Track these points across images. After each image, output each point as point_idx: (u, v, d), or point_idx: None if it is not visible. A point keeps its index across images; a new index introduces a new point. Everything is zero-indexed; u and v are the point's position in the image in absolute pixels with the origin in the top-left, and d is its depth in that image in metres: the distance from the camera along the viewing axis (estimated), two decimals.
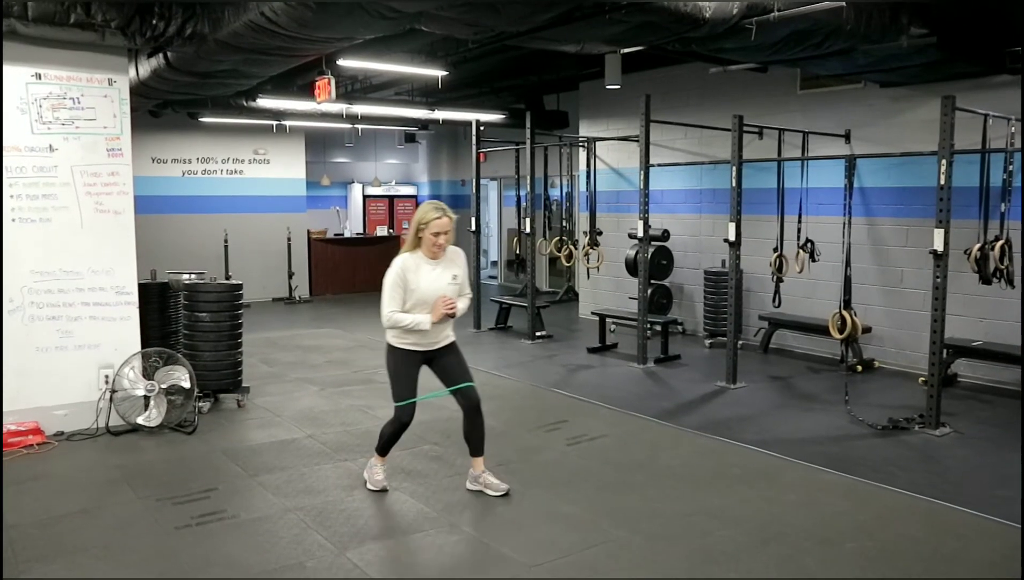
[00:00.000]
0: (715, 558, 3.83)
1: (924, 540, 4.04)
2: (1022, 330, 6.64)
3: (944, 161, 5.68)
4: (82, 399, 5.86)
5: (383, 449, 4.69)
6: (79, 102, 5.75)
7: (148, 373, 5.98)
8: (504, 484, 4.63)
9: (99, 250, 5.89)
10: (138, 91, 7.33)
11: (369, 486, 4.69)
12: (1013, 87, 6.99)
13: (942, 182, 5.70)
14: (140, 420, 5.84)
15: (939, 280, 5.81)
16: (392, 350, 4.46)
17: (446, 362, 4.53)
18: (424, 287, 4.30)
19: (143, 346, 6.14)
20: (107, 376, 5.92)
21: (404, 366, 4.43)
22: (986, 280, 6.64)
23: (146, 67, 6.92)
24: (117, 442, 5.67)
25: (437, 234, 4.26)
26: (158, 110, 10.75)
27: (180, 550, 3.93)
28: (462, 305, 4.46)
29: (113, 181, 5.91)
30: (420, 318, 4.28)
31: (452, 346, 4.56)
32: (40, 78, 5.62)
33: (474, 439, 4.62)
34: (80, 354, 5.86)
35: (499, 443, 5.63)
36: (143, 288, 6.36)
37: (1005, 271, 6.59)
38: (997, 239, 6.61)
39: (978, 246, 6.63)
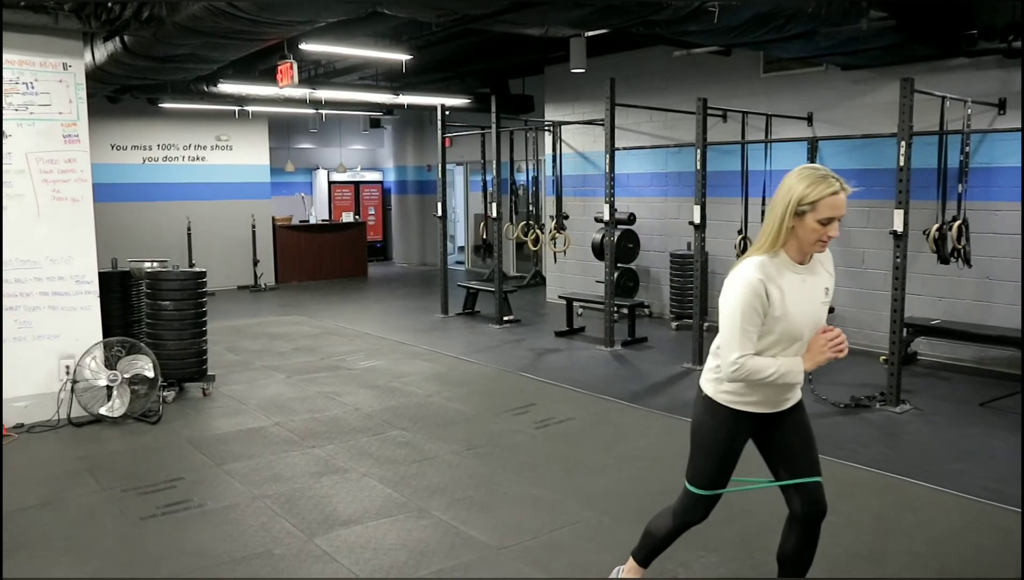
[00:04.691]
0: (683, 536, 3.87)
1: (885, 514, 4.13)
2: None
3: (903, 143, 5.77)
4: (42, 390, 5.75)
5: (649, 557, 3.13)
6: (32, 87, 5.61)
7: (110, 363, 5.88)
8: None
9: (57, 239, 5.77)
10: (95, 76, 7.18)
11: None
12: (969, 69, 7.11)
13: (902, 163, 5.79)
14: (103, 410, 5.76)
15: (899, 260, 5.91)
16: (715, 408, 2.79)
17: (786, 435, 2.83)
18: (793, 313, 2.62)
19: (105, 336, 6.03)
20: (68, 367, 5.82)
21: (729, 437, 2.79)
22: (944, 260, 6.78)
23: (102, 51, 6.78)
24: (79, 433, 5.59)
25: (828, 222, 2.55)
26: (116, 96, 10.54)
27: (146, 540, 3.89)
28: None
29: (70, 168, 5.79)
30: (791, 365, 2.66)
31: (798, 409, 2.86)
32: None
33: (798, 566, 2.90)
34: (39, 345, 5.75)
35: (467, 427, 5.64)
36: (104, 277, 6.25)
37: (962, 251, 6.73)
38: (955, 219, 6.74)
39: (936, 226, 6.76)
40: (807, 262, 2.69)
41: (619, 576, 3.20)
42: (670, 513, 3.00)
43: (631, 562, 3.16)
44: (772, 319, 2.61)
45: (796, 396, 2.85)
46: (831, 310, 7.82)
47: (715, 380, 2.80)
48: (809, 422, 2.89)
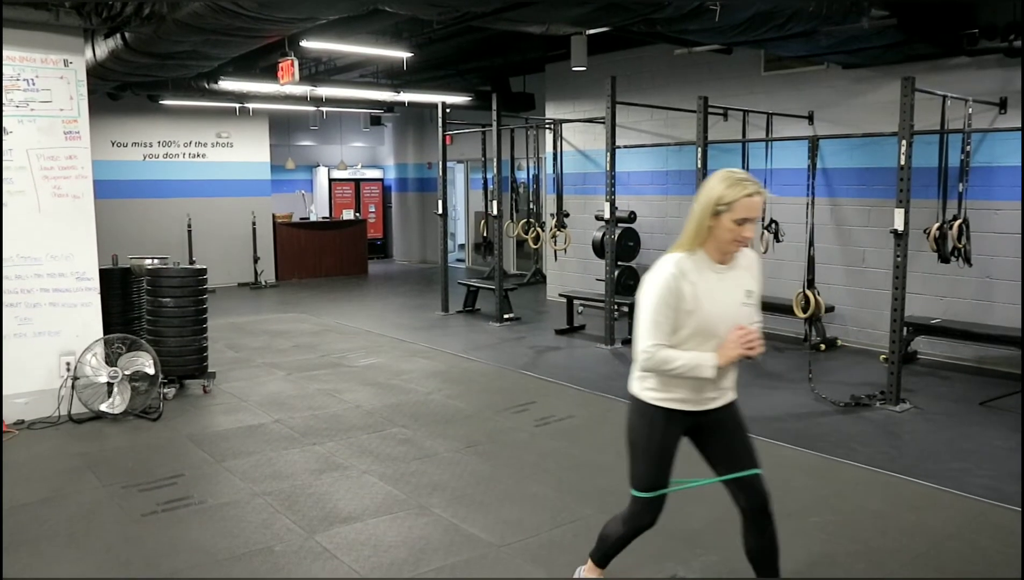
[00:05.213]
0: (682, 534, 3.88)
1: (884, 513, 4.13)
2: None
3: (904, 141, 5.76)
4: (43, 387, 5.76)
5: (605, 558, 3.16)
6: (33, 84, 5.61)
7: (111, 359, 5.89)
8: None
9: (58, 235, 5.77)
10: (96, 73, 7.18)
11: None
12: (970, 68, 7.11)
13: (902, 162, 5.79)
14: (103, 407, 5.77)
15: (899, 259, 5.91)
16: (642, 408, 2.87)
17: (722, 433, 2.91)
18: (708, 309, 2.73)
19: (105, 332, 6.04)
20: (68, 363, 5.83)
21: (661, 435, 2.84)
22: (944, 259, 6.78)
23: (103, 48, 6.78)
24: (80, 430, 5.59)
25: (743, 222, 2.68)
26: (117, 92, 10.54)
27: (146, 536, 3.89)
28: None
29: (71, 165, 5.79)
30: (702, 358, 2.71)
31: (732, 408, 2.93)
32: None
33: (764, 556, 2.99)
34: (40, 341, 5.76)
35: (467, 425, 5.65)
36: (104, 274, 6.26)
37: (963, 250, 6.73)
38: (955, 218, 6.74)
39: (937, 225, 6.76)
40: (727, 262, 2.79)
41: (580, 576, 3.24)
42: (620, 520, 3.03)
43: (590, 562, 3.22)
44: (684, 313, 2.72)
45: (726, 396, 2.90)
46: (831, 309, 7.94)
47: (639, 378, 2.88)
48: (742, 418, 2.95)
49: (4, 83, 5.50)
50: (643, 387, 2.87)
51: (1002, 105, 6.98)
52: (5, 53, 5.48)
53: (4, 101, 5.52)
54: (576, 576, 3.26)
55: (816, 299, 7.06)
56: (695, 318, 2.72)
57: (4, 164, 5.54)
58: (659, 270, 2.74)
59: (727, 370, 2.81)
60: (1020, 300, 6.64)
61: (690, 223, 2.76)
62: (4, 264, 5.58)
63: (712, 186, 2.72)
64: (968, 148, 6.76)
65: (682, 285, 2.70)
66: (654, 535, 3.79)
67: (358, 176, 17.77)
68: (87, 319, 5.92)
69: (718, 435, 2.90)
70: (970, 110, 6.78)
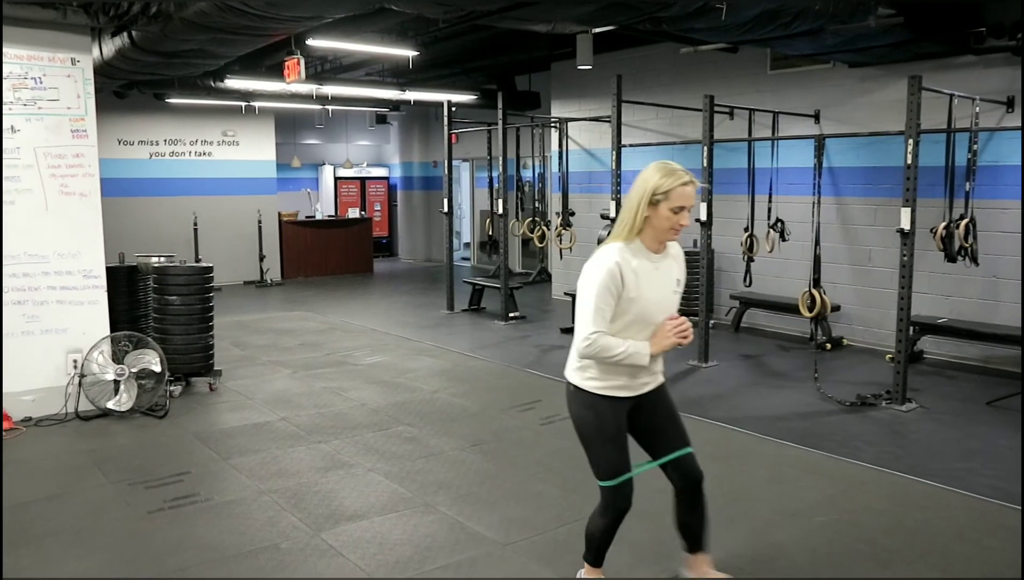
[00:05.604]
0: None
1: (889, 512, 4.13)
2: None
3: (911, 140, 5.75)
4: (50, 384, 5.78)
5: (598, 556, 3.19)
6: (41, 82, 5.63)
7: (118, 357, 5.91)
8: None
9: (65, 233, 5.79)
10: (102, 71, 7.20)
11: None
12: (977, 67, 7.09)
13: (909, 161, 5.77)
14: (110, 405, 5.79)
15: (906, 258, 5.89)
16: (587, 399, 2.96)
17: (653, 415, 3.06)
18: (647, 297, 2.84)
19: (112, 330, 6.06)
20: (75, 361, 5.85)
21: (610, 422, 2.94)
22: (951, 258, 6.76)
23: (110, 46, 6.79)
24: (87, 427, 5.62)
25: (680, 210, 2.80)
26: (124, 91, 10.58)
27: (152, 534, 3.91)
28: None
29: (78, 163, 5.81)
30: (638, 346, 2.84)
31: (661, 390, 3.08)
32: None
33: (694, 529, 3.21)
34: (47, 339, 5.78)
35: (473, 424, 5.66)
36: (111, 271, 6.28)
37: (970, 249, 6.71)
38: (962, 218, 6.73)
39: (943, 225, 6.74)
40: (661, 252, 2.92)
41: (581, 577, 3.26)
42: (599, 515, 3.10)
43: (586, 565, 3.24)
44: (627, 300, 2.81)
45: (657, 379, 3.05)
46: (837, 308, 7.92)
47: (579, 368, 2.97)
48: (671, 400, 3.11)
49: (12, 81, 5.53)
50: (584, 378, 2.95)
51: (1009, 104, 6.96)
52: (13, 51, 5.50)
53: (12, 99, 5.54)
54: (577, 578, 3.28)
55: (822, 298, 7.05)
56: (637, 305, 2.83)
57: (12, 162, 5.56)
58: (602, 259, 2.82)
59: (658, 357, 2.95)
60: (1021, 300, 6.62)
61: (626, 213, 2.86)
62: (12, 262, 5.60)
63: (648, 177, 2.83)
64: (975, 147, 6.74)
65: (626, 273, 2.79)
66: (655, 533, 3.80)
67: (364, 174, 17.79)
68: (94, 317, 5.94)
69: (652, 417, 3.05)
70: (977, 109, 6.75)
